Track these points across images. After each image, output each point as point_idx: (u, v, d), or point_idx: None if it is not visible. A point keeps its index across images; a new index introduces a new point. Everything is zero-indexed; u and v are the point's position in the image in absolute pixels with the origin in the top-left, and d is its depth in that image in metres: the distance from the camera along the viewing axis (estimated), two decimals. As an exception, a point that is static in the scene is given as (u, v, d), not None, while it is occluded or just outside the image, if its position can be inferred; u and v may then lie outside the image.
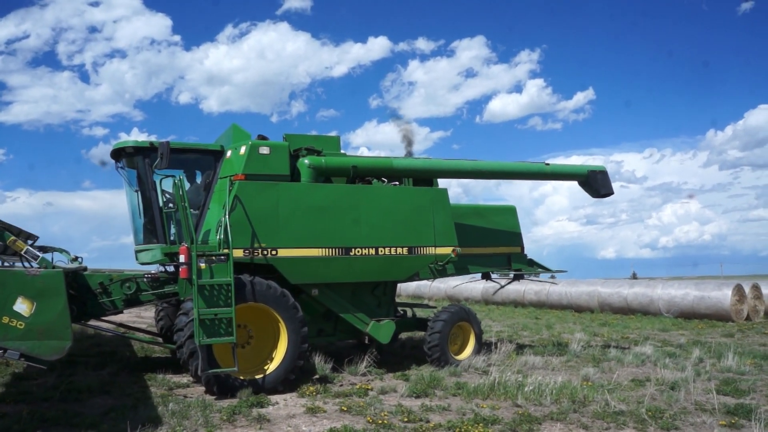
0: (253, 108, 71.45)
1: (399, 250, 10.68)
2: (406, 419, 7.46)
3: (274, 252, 9.62)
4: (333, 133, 12.26)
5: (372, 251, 10.43)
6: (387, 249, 10.57)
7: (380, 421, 7.30)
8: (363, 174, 11.10)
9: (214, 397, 8.57)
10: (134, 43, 66.49)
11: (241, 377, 8.89)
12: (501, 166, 12.78)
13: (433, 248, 10.99)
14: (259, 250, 9.52)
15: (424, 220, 10.98)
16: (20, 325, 6.01)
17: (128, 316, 18.67)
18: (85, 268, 11.65)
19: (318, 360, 10.26)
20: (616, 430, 7.24)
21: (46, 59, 66.25)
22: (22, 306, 6.05)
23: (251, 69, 69.06)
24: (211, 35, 79.39)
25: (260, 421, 7.41)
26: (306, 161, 10.44)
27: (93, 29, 65.62)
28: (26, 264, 8.03)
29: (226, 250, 8.86)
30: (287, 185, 9.98)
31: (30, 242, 13.09)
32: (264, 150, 9.94)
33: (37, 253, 6.82)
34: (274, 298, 9.19)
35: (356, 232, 10.32)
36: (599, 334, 16.71)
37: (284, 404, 8.33)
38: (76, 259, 12.71)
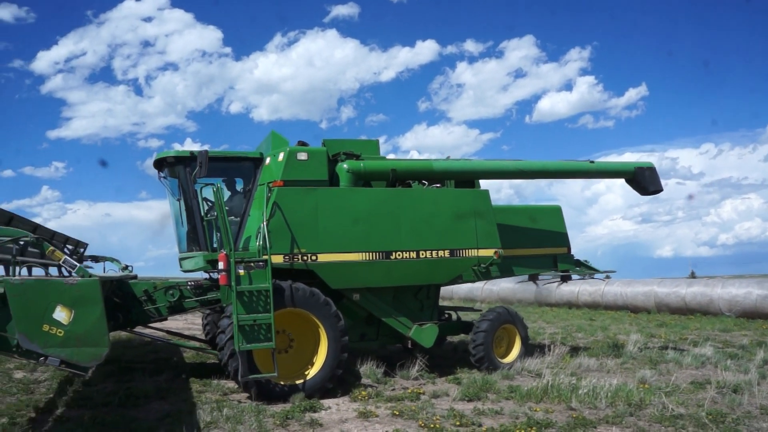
0: (303, 115, 72.21)
1: (440, 253, 10.57)
2: (458, 423, 7.41)
3: (314, 257, 9.64)
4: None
5: (413, 255, 10.35)
6: (428, 252, 10.47)
7: (432, 425, 7.27)
8: (403, 177, 11.01)
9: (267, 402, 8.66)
10: (186, 55, 68.03)
11: (282, 382, 8.93)
12: (544, 165, 12.52)
13: (476, 250, 10.85)
14: (299, 256, 9.55)
15: (466, 223, 10.83)
16: (60, 332, 6.14)
17: (183, 324, 19.07)
18: (135, 277, 11.94)
19: (370, 364, 10.29)
20: (675, 434, 7.04)
21: (103, 75, 68.38)
22: (61, 314, 6.18)
23: (300, 77, 69.86)
24: (261, 44, 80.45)
25: (313, 425, 7.47)
26: (345, 166, 10.42)
27: (146, 44, 67.32)
28: (65, 273, 8.23)
29: (265, 257, 8.95)
30: (326, 190, 9.99)
31: (81, 250, 13.57)
32: (302, 156, 9.97)
33: (75, 262, 6.96)
34: (312, 302, 9.21)
35: (396, 236, 10.25)
36: (656, 335, 16.30)
37: (336, 409, 8.37)
38: (126, 267, 13.08)
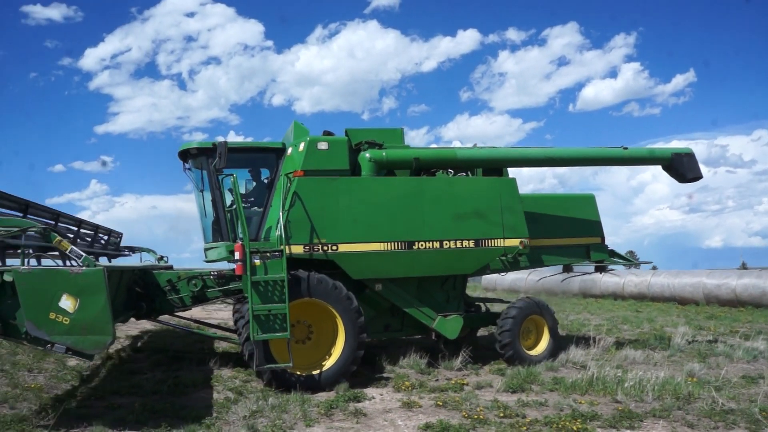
0: (345, 107, 72.56)
1: (465, 243, 10.35)
2: (502, 414, 7.39)
3: (334, 247, 9.56)
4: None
5: (436, 245, 10.15)
6: (452, 242, 10.26)
7: (476, 416, 7.26)
8: (426, 166, 10.80)
9: (311, 392, 8.75)
10: (228, 49, 68.96)
11: (298, 372, 8.96)
12: (574, 152, 12.03)
13: (502, 240, 10.60)
14: (319, 246, 9.49)
15: (491, 212, 10.60)
16: (65, 320, 6.31)
17: (227, 314, 19.34)
18: (170, 267, 12.17)
19: (413, 355, 10.31)
20: (725, 430, 6.89)
21: (148, 70, 69.93)
22: (66, 302, 6.34)
23: (341, 68, 70.17)
24: (302, 37, 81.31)
25: (357, 415, 7.52)
26: (367, 155, 10.30)
27: (189, 38, 68.52)
28: (72, 262, 8.40)
29: (281, 246, 8.99)
30: (347, 180, 9.90)
31: (117, 239, 13.96)
32: (322, 145, 9.89)
33: (81, 252, 7.10)
34: (328, 292, 9.18)
35: (420, 225, 10.09)
36: (705, 327, 15.95)
37: (380, 399, 8.42)
38: (161, 258, 13.38)
